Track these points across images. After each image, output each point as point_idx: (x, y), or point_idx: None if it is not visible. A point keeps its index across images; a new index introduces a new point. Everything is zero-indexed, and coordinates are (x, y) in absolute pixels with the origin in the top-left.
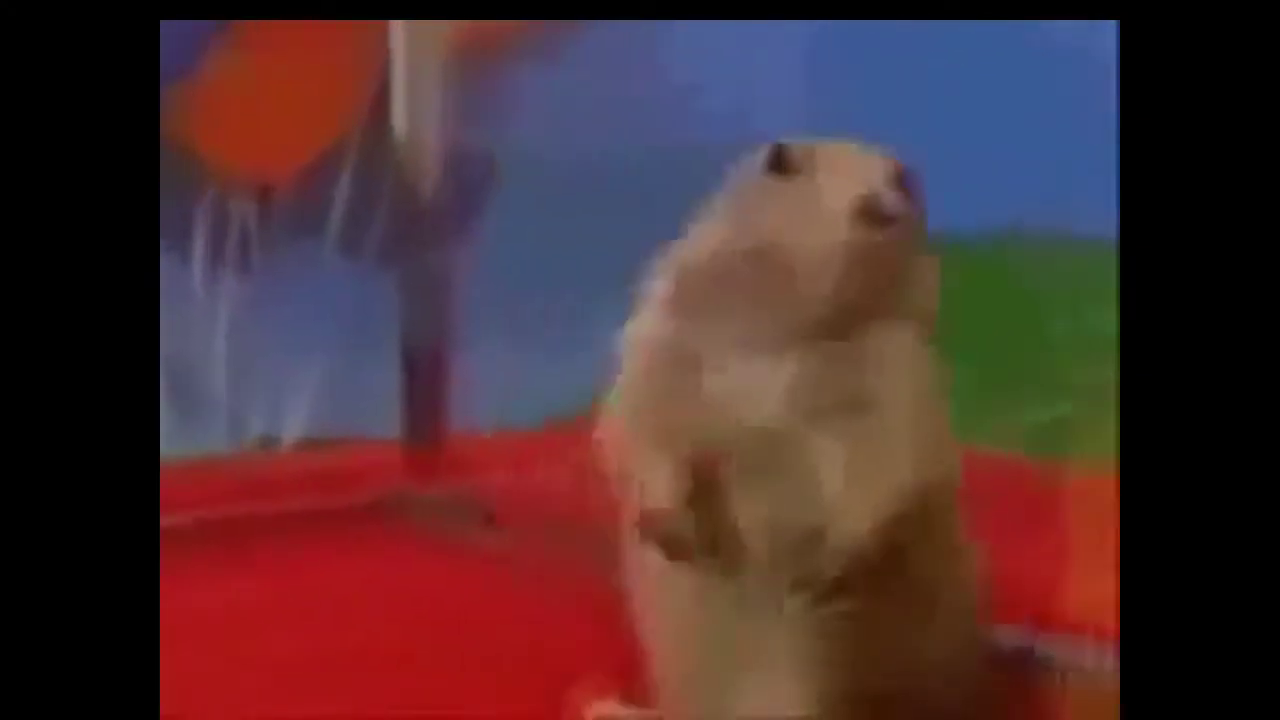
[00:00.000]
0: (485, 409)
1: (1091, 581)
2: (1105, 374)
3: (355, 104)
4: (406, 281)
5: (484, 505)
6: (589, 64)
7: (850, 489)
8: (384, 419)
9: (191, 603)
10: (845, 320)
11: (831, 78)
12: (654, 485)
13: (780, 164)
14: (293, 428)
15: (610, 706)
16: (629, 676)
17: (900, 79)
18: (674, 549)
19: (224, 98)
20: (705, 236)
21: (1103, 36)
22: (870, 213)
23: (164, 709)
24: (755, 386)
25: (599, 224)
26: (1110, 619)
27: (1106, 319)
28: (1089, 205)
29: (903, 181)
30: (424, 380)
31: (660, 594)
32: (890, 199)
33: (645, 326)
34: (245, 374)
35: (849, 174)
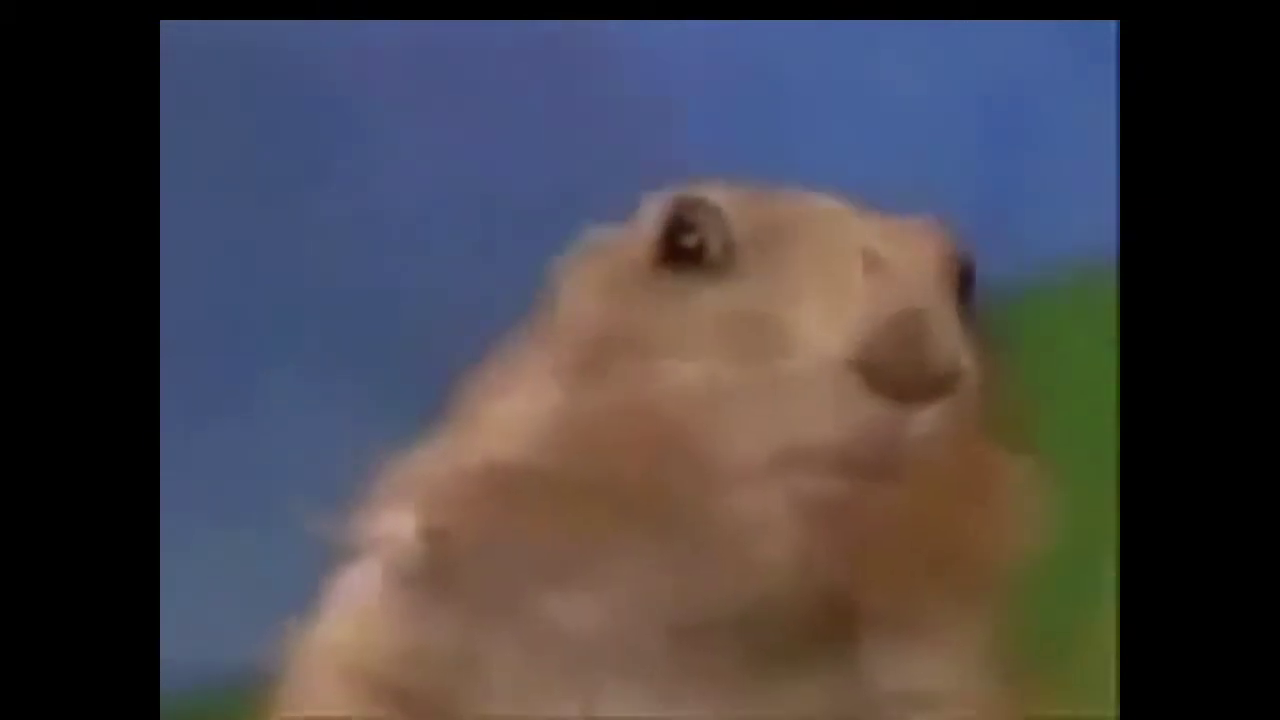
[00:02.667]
0: None
1: None
2: None
3: None
4: None
5: None
6: None
7: None
8: None
9: None
10: (823, 624)
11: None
12: None
13: (682, 244)
14: None
15: None
16: None
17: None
18: None
19: None
20: (509, 405)
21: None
22: (886, 383)
23: None
24: None
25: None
26: None
27: None
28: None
29: (967, 285)
30: None
31: None
32: (936, 347)
33: (362, 614)
34: None
35: (839, 280)
